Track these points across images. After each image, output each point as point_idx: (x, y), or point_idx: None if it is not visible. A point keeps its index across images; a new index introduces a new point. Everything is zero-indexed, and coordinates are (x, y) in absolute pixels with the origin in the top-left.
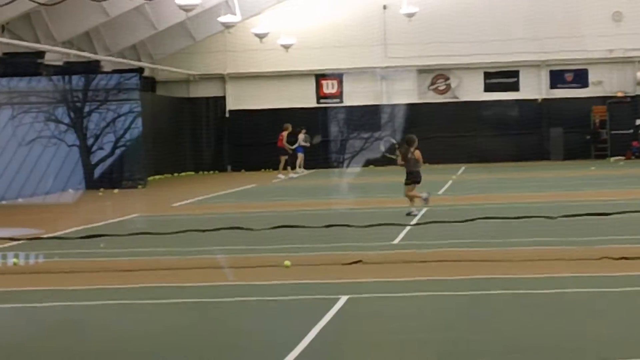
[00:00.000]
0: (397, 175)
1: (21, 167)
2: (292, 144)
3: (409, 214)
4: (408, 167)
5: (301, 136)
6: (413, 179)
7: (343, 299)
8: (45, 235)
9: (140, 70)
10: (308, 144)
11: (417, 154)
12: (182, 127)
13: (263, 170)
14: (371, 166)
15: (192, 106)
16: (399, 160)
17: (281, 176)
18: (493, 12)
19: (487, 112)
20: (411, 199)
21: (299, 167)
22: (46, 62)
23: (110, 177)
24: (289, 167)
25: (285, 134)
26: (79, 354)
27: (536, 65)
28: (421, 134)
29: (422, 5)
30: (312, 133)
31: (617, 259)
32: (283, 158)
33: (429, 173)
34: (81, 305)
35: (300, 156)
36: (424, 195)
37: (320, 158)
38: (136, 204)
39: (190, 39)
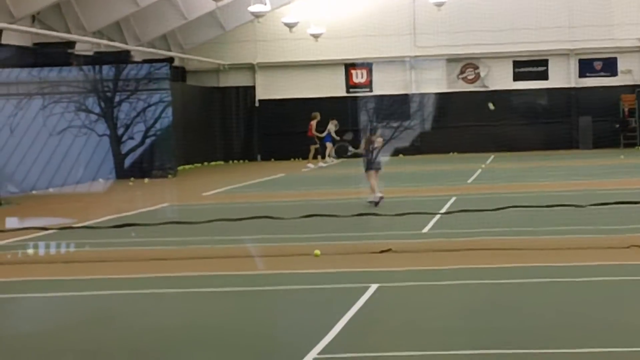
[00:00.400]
0: (427, 164)
1: (52, 157)
2: (321, 133)
3: (375, 203)
4: (371, 155)
5: (331, 126)
6: (373, 166)
7: (373, 287)
8: (76, 225)
9: (170, 60)
10: (338, 137)
11: (380, 141)
12: (212, 116)
13: (292, 159)
14: (400, 155)
15: (222, 96)
16: (362, 150)
17: (311, 165)
18: (522, 0)
19: (516, 101)
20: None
21: (329, 156)
22: (76, 52)
23: (140, 166)
24: (319, 157)
25: (314, 122)
26: (111, 343)
27: (565, 54)
28: (450, 123)
29: None
30: (341, 123)
31: None
32: (313, 147)
33: (458, 162)
34: (113, 294)
35: (329, 145)
36: (379, 196)
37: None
38: (166, 194)
39: (220, 29)
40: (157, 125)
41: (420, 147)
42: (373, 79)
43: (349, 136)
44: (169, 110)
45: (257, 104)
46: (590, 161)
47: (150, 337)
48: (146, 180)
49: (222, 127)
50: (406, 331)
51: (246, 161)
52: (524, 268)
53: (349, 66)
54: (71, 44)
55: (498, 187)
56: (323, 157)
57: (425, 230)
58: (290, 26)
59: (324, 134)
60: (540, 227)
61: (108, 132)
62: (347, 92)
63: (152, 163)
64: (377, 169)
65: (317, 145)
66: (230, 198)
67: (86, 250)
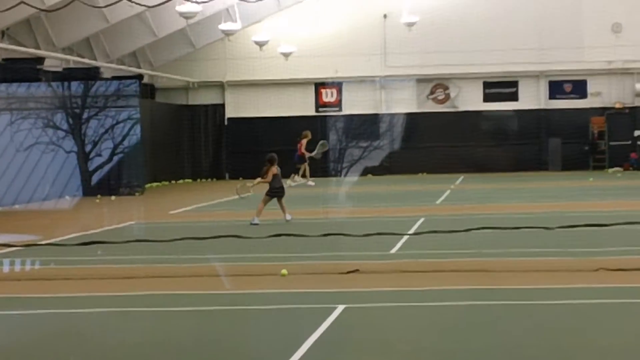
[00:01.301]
0: (396, 184)
1: (19, 173)
2: (311, 152)
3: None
4: (275, 183)
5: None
6: (281, 193)
7: (340, 308)
8: (42, 242)
9: (139, 77)
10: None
11: (275, 169)
12: (180, 134)
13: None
14: (370, 175)
15: (191, 113)
16: (267, 178)
17: (311, 183)
18: (493, 22)
19: (486, 122)
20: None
21: (300, 176)
22: (46, 68)
23: (107, 184)
24: (295, 175)
25: (304, 141)
26: None
27: (535, 75)
28: (420, 143)
29: (423, 14)
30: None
31: (614, 270)
32: (303, 165)
33: (427, 182)
34: (79, 312)
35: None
36: (288, 217)
37: (319, 167)
38: (133, 211)
39: (190, 46)
40: (125, 143)
41: (390, 167)
42: (343, 99)
43: (318, 156)
44: (138, 128)
45: (226, 122)
46: (560, 183)
47: (116, 356)
48: (113, 197)
49: (190, 145)
50: (373, 352)
51: (214, 180)
52: (493, 290)
53: (319, 85)
54: (40, 59)
55: (467, 208)
56: (303, 176)
57: (394, 251)
58: (260, 44)
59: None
60: (509, 249)
61: (76, 149)
62: (317, 111)
63: (119, 180)
64: (283, 195)
65: (307, 163)
66: (198, 216)
67: (52, 267)
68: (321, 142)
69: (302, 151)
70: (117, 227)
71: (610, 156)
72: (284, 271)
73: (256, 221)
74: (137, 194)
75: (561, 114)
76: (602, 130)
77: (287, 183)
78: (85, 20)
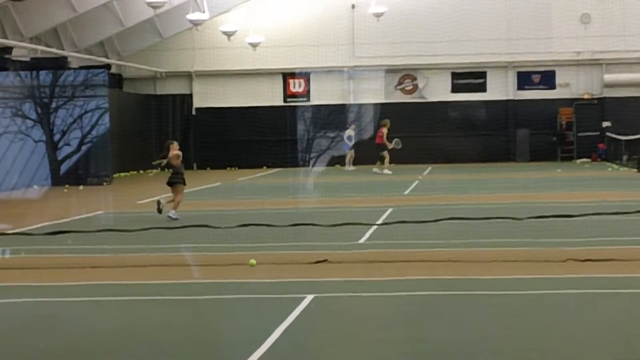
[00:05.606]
0: (364, 175)
1: None
2: (390, 141)
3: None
4: (177, 167)
5: (349, 132)
6: (179, 179)
7: (309, 297)
8: (11, 231)
9: (107, 66)
10: (352, 142)
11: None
12: (148, 124)
13: (228, 168)
14: (337, 165)
15: (159, 103)
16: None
17: (387, 171)
18: (461, 12)
19: (454, 113)
20: (176, 202)
21: (348, 163)
22: (13, 58)
23: (76, 173)
24: (381, 164)
25: (385, 130)
26: (47, 351)
27: (503, 66)
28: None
29: (391, 4)
30: (279, 133)
31: (583, 260)
32: (385, 153)
33: (395, 173)
34: (48, 301)
35: (351, 152)
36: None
37: (288, 157)
38: (102, 201)
39: (158, 36)
40: (94, 132)
41: (357, 157)
42: (311, 89)
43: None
44: (106, 117)
45: (193, 113)
46: (528, 174)
47: (86, 345)
48: (81, 187)
49: (158, 135)
50: (341, 342)
51: None
52: (461, 280)
53: (287, 75)
54: (8, 49)
55: (435, 199)
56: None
57: (362, 241)
58: (228, 34)
59: (352, 141)
60: (477, 239)
61: (44, 138)
62: (285, 101)
63: (87, 170)
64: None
65: (387, 151)
66: (166, 207)
67: (21, 257)
68: (395, 139)
69: (384, 140)
70: (85, 217)
71: (579, 147)
72: (253, 261)
73: (174, 215)
74: (105, 183)
75: (529, 105)
76: (571, 121)
77: (373, 170)
78: (52, 9)
